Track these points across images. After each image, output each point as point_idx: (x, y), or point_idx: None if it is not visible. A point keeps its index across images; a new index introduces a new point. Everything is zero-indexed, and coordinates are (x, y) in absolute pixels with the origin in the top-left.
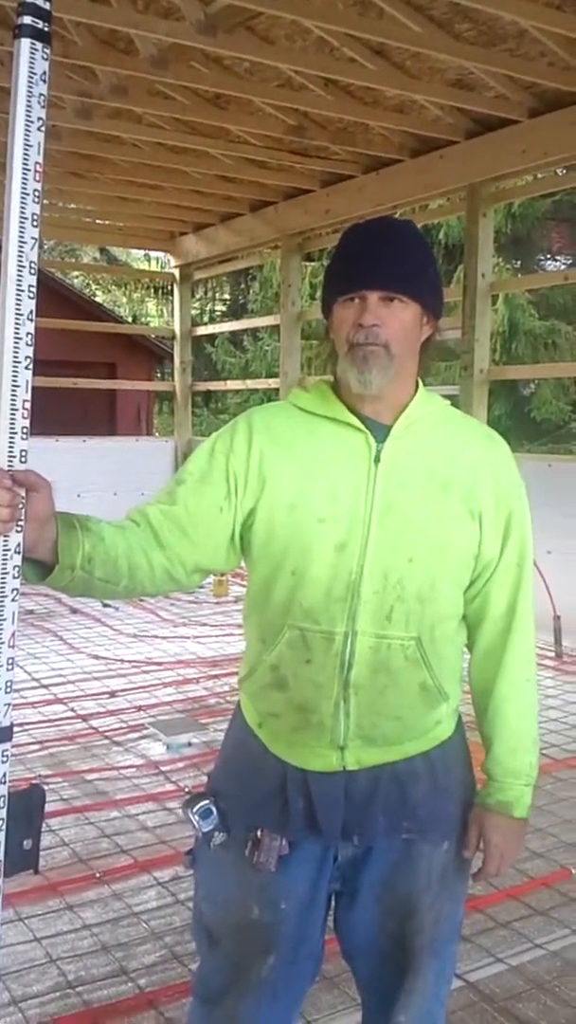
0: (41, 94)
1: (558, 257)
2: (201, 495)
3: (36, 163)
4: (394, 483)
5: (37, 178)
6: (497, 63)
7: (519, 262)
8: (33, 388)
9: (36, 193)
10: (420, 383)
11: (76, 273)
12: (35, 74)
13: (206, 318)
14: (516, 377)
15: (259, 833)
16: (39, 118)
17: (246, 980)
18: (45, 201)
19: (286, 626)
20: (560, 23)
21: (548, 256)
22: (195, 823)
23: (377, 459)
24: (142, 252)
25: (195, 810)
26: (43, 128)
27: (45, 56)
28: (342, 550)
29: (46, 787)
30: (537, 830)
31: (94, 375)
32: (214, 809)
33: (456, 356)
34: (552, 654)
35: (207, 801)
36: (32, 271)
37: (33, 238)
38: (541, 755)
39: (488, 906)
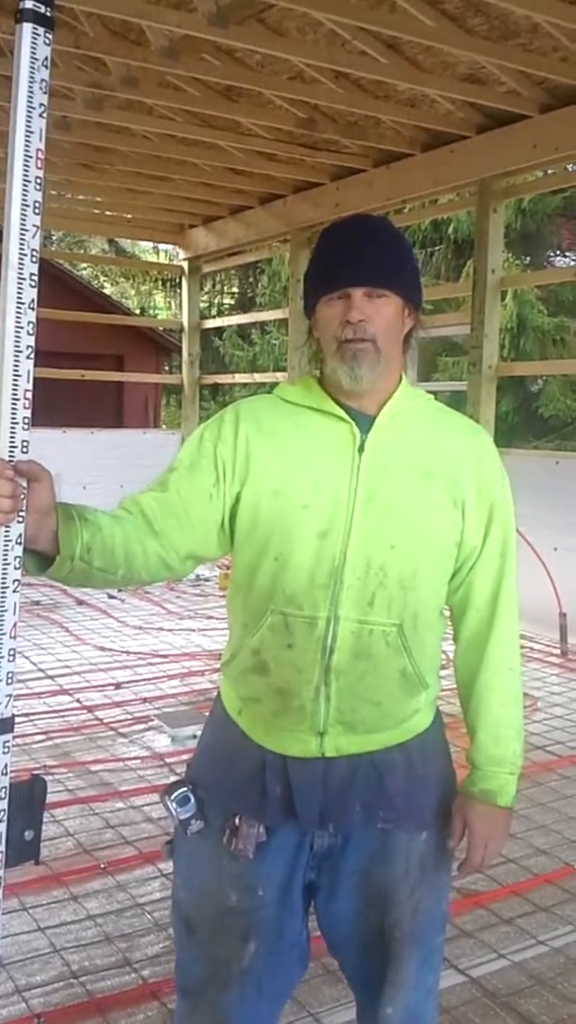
0: (43, 80)
1: (568, 253)
2: (192, 482)
3: (38, 150)
4: (377, 472)
5: (39, 165)
6: (509, 58)
7: (528, 258)
8: (41, 380)
9: (38, 180)
10: (403, 377)
11: (84, 265)
12: (37, 59)
13: (214, 311)
14: (524, 373)
15: (237, 820)
16: (41, 104)
17: (227, 971)
18: (54, 192)
19: (269, 611)
20: (573, 18)
21: (558, 252)
22: (172, 810)
23: (361, 448)
24: (151, 244)
25: (172, 797)
26: (45, 115)
27: (47, 41)
28: (325, 537)
29: (51, 778)
30: (541, 826)
31: (102, 367)
32: (192, 796)
33: (464, 352)
34: (557, 652)
35: (185, 788)
36: (33, 259)
37: (35, 225)
38: (546, 752)
39: (491, 902)
